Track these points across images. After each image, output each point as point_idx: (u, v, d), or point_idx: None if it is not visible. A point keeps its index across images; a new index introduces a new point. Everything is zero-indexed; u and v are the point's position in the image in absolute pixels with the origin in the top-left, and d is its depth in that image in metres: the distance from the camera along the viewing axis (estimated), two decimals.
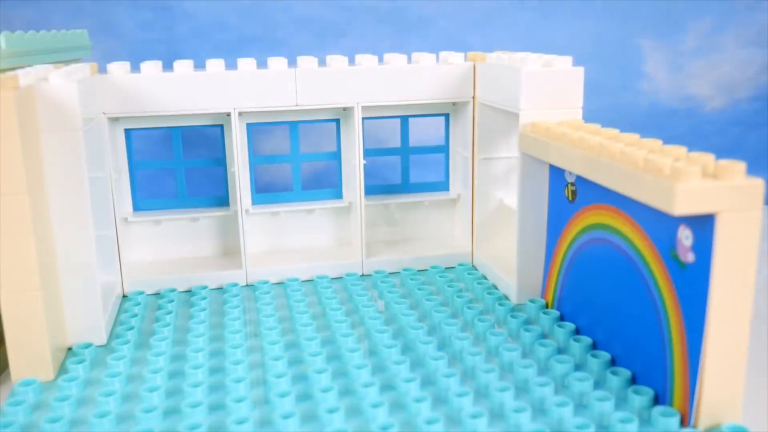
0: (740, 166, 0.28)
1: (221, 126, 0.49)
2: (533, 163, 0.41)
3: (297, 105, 0.47)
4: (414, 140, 0.53)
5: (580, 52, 0.63)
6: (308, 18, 0.67)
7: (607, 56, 0.68)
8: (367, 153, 0.50)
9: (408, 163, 0.53)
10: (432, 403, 0.32)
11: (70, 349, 0.38)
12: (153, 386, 0.34)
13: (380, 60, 0.49)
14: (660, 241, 0.31)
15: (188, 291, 0.47)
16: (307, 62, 0.47)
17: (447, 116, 0.52)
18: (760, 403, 0.33)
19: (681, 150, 0.31)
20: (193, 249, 0.51)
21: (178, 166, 0.50)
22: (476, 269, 0.50)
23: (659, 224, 0.31)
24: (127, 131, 0.48)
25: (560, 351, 0.37)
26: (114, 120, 0.47)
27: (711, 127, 0.73)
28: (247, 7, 0.66)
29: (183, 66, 0.45)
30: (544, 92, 0.41)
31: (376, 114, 0.50)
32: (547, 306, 0.42)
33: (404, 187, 0.54)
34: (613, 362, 0.35)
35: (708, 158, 0.29)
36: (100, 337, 0.39)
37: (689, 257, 0.29)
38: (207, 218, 0.51)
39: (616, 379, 0.33)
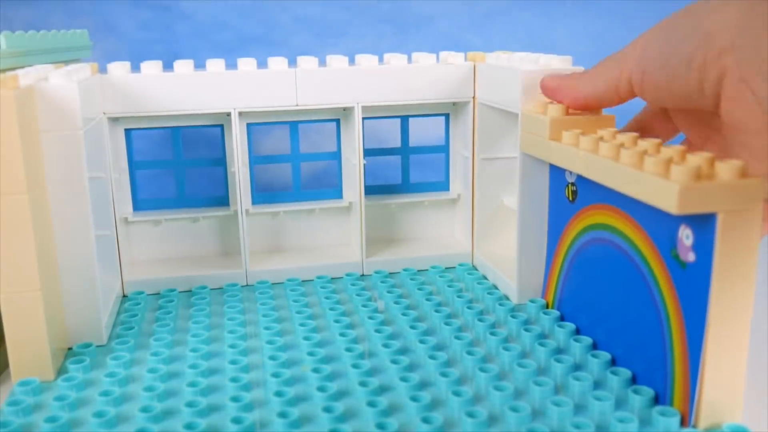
0: (740, 165, 0.28)
1: (221, 126, 0.49)
2: (533, 163, 0.41)
3: (297, 105, 0.47)
4: (414, 140, 0.53)
5: (580, 52, 0.63)
6: (308, 18, 0.67)
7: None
8: (367, 153, 0.50)
9: (408, 163, 0.53)
10: (431, 403, 0.32)
11: (70, 349, 0.38)
12: (152, 386, 0.34)
13: (380, 60, 0.49)
14: (661, 240, 0.31)
15: (188, 291, 0.47)
16: (307, 62, 0.47)
17: (447, 116, 0.52)
18: (760, 403, 0.33)
19: (681, 149, 0.31)
20: (193, 249, 0.51)
21: (178, 166, 0.50)
22: (476, 269, 0.50)
23: (660, 224, 0.31)
24: (127, 131, 0.48)
25: (560, 351, 0.37)
26: (114, 120, 0.47)
27: None
28: (247, 7, 0.66)
29: (183, 66, 0.45)
30: None
31: (376, 114, 0.50)
32: (547, 306, 0.42)
33: (404, 187, 0.54)
34: (613, 362, 0.35)
35: (708, 158, 0.29)
36: (100, 338, 0.39)
37: (690, 257, 0.29)
38: (207, 218, 0.51)
39: (616, 379, 0.33)
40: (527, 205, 0.42)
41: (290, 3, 0.66)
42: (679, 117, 0.37)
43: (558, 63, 0.41)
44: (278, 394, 0.32)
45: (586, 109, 0.37)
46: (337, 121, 0.51)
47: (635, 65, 0.33)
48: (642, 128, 0.39)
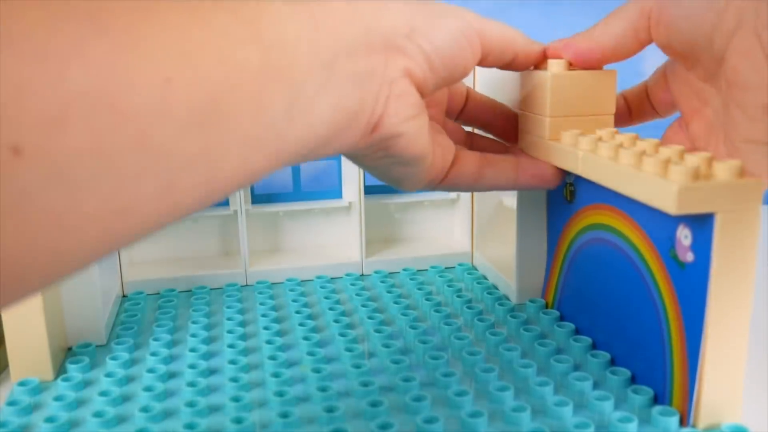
0: (739, 165, 0.28)
1: None
2: None
3: None
4: None
5: None
6: None
7: None
8: None
9: None
10: (431, 403, 0.32)
11: (69, 349, 0.38)
12: (152, 386, 0.34)
13: None
14: (659, 240, 0.31)
15: (188, 291, 0.47)
16: None
17: None
18: (760, 403, 0.33)
19: (680, 149, 0.31)
20: (193, 249, 0.51)
21: None
22: (476, 269, 0.50)
23: (658, 224, 0.31)
24: None
25: (560, 351, 0.37)
26: None
27: None
28: None
29: None
30: None
31: None
32: (546, 306, 0.42)
33: None
34: (612, 362, 0.35)
35: (707, 158, 0.29)
36: (100, 338, 0.39)
37: (688, 257, 0.29)
38: (207, 218, 0.51)
39: (615, 379, 0.33)
40: (526, 205, 0.42)
41: None
42: (676, 81, 0.36)
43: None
44: (278, 393, 0.32)
45: (598, 62, 0.36)
46: None
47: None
48: (640, 100, 0.39)
